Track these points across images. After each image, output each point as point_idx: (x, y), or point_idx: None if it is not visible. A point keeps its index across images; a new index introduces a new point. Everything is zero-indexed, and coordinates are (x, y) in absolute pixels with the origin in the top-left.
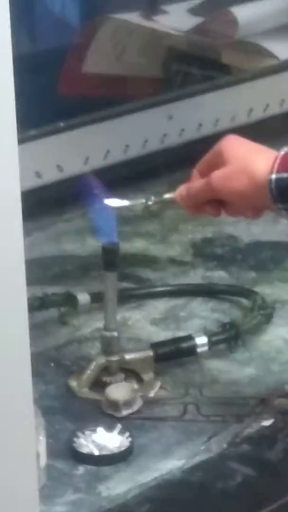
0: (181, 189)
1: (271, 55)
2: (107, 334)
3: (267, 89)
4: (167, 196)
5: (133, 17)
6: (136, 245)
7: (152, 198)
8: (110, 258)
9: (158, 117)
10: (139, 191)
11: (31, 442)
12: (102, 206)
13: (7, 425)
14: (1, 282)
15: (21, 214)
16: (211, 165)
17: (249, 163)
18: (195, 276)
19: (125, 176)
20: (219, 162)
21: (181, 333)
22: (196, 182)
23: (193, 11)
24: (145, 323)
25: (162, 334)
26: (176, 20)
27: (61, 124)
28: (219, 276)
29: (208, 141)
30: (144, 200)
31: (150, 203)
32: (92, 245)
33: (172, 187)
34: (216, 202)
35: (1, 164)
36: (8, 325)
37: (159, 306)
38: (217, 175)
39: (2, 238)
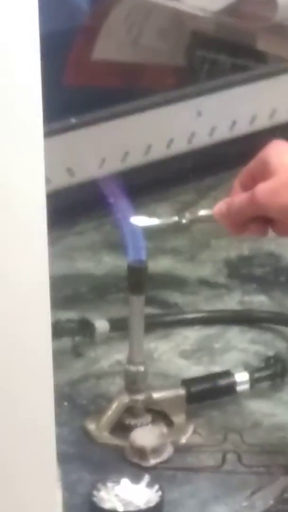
0: (221, 205)
1: None
2: (132, 368)
3: None
4: (204, 212)
5: None
6: (161, 264)
7: (187, 215)
8: (137, 279)
9: (185, 113)
10: (163, 199)
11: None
12: (125, 218)
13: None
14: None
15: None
16: (256, 176)
17: None
18: (231, 301)
19: (147, 181)
20: (264, 173)
21: (216, 368)
22: (238, 197)
23: None
24: (174, 356)
25: (194, 369)
26: None
27: (72, 121)
28: (259, 301)
29: (244, 142)
30: (177, 218)
31: (184, 221)
32: (109, 262)
33: (201, 195)
34: (262, 220)
35: (26, 169)
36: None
37: (190, 336)
38: (263, 188)
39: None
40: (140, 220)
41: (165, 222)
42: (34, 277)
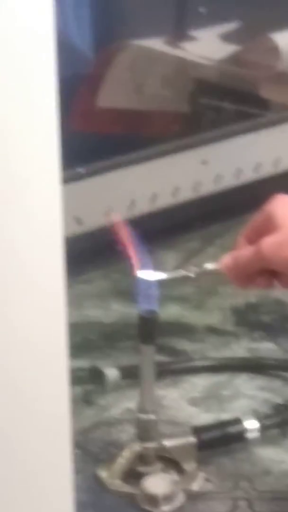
0: (227, 259)
1: None
2: (143, 416)
3: None
4: (211, 266)
5: (156, 44)
6: (169, 311)
7: (193, 268)
8: (148, 329)
9: (190, 162)
10: (169, 247)
11: None
12: (138, 267)
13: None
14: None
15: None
16: (260, 230)
17: None
18: (239, 348)
19: (153, 229)
20: (269, 227)
21: (225, 416)
22: (244, 251)
23: (227, 38)
24: (183, 403)
25: (203, 417)
26: (206, 48)
27: (80, 170)
28: (267, 348)
29: (249, 190)
30: (184, 272)
31: (191, 275)
32: (118, 310)
33: (206, 243)
34: (268, 273)
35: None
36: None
37: (198, 383)
38: (268, 242)
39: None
40: (148, 274)
41: (172, 276)
42: (53, 324)
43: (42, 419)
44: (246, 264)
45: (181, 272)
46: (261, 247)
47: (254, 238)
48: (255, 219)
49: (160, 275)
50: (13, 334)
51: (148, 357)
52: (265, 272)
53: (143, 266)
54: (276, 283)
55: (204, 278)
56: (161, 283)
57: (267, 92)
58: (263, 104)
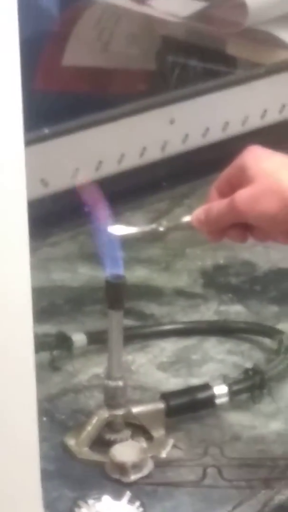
0: (199, 212)
1: (286, 45)
2: (111, 383)
3: (283, 86)
4: (182, 220)
5: (122, 1)
6: (136, 274)
7: (164, 222)
8: (116, 295)
9: (157, 121)
10: (137, 208)
11: None
12: (102, 229)
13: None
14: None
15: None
16: (233, 183)
17: (279, 181)
18: (207, 311)
19: (120, 190)
20: (242, 179)
21: (194, 380)
22: (216, 204)
23: None
24: (151, 368)
25: (172, 382)
26: (173, 5)
27: (45, 131)
28: (236, 311)
29: (217, 148)
30: (154, 226)
31: (161, 229)
32: (85, 274)
33: (175, 203)
34: (241, 226)
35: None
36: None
37: (167, 348)
38: (242, 196)
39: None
40: (118, 229)
41: (142, 230)
42: (17, 289)
43: (7, 386)
44: (218, 218)
45: (152, 226)
46: (234, 201)
47: (227, 191)
48: (228, 171)
49: (130, 230)
50: None
51: (116, 323)
52: (238, 225)
53: (111, 225)
54: (249, 236)
55: (174, 234)
56: (127, 245)
57: (234, 49)
58: (230, 62)
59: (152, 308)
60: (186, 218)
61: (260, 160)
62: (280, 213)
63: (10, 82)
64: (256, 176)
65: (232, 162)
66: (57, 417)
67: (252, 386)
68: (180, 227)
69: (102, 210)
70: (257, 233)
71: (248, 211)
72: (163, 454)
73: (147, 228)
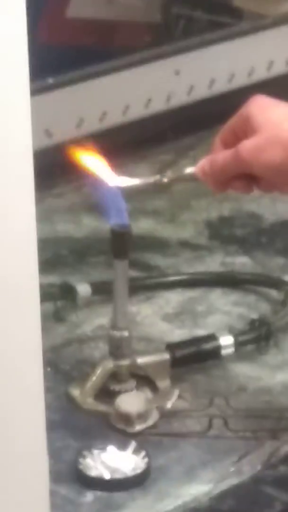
0: (204, 163)
1: None
2: (116, 333)
3: None
4: (186, 171)
5: None
6: (141, 226)
7: (168, 173)
8: (121, 244)
9: (162, 72)
10: (141, 159)
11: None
12: (106, 182)
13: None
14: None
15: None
16: (238, 133)
17: (284, 131)
18: (213, 263)
19: (125, 142)
20: (247, 129)
21: (199, 331)
22: (221, 154)
23: None
24: (156, 319)
25: (177, 333)
26: None
27: (49, 81)
28: (241, 262)
29: (222, 100)
30: (158, 177)
31: (165, 180)
32: (89, 224)
33: (180, 154)
34: (246, 177)
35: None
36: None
37: (172, 299)
38: (246, 146)
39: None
40: (121, 181)
41: (146, 182)
42: (23, 240)
43: (13, 336)
44: (223, 168)
45: (156, 177)
46: (239, 151)
47: (231, 141)
48: (232, 121)
49: (135, 181)
50: None
51: (121, 273)
52: (243, 176)
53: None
54: (254, 187)
55: (179, 186)
56: (132, 197)
57: (240, 0)
58: (236, 13)
59: (157, 260)
60: (190, 169)
61: (266, 110)
62: (284, 163)
63: (16, 33)
64: (261, 126)
65: (237, 112)
66: (61, 367)
67: (258, 337)
68: (184, 178)
69: (104, 164)
70: (262, 184)
71: (252, 161)
72: (169, 405)
73: (151, 179)
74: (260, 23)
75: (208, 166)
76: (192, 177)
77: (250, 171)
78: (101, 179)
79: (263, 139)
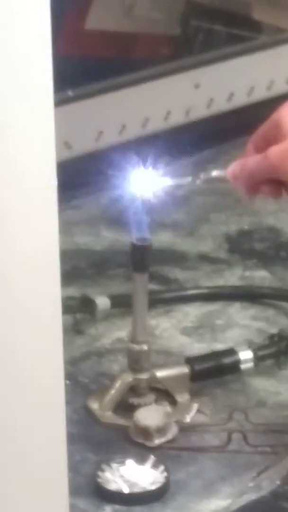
0: (235, 166)
1: None
2: (135, 347)
3: None
4: (218, 173)
5: None
6: (160, 238)
7: (201, 175)
8: (141, 257)
9: (182, 85)
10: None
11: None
12: (130, 193)
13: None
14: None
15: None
16: (268, 138)
17: None
18: (232, 277)
19: (144, 154)
20: (277, 135)
21: (218, 345)
22: (251, 158)
23: None
24: (175, 333)
25: (196, 347)
26: None
27: (69, 93)
28: (260, 276)
29: (242, 114)
30: (190, 178)
31: (198, 181)
32: (108, 237)
33: (199, 168)
34: (275, 182)
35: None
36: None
37: (191, 312)
38: (275, 151)
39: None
40: (155, 180)
41: (179, 182)
42: (46, 251)
43: (34, 348)
44: (252, 172)
45: (188, 179)
46: (268, 156)
47: (263, 146)
48: (264, 126)
49: (167, 181)
50: (6, 261)
51: (141, 286)
52: (272, 181)
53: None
54: (284, 193)
55: (198, 199)
56: (152, 210)
57: (259, 14)
58: (256, 27)
59: (176, 273)
60: (222, 172)
61: None
62: None
63: (41, 45)
64: None
65: (269, 117)
66: (80, 380)
67: (277, 352)
68: (216, 180)
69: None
70: None
71: (279, 166)
72: (188, 419)
73: (183, 180)
74: (280, 37)
75: (239, 169)
76: (224, 180)
77: (278, 176)
78: (126, 190)
79: None
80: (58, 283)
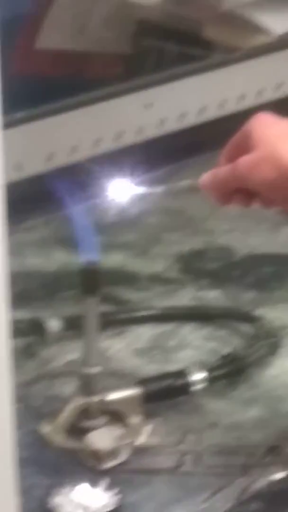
0: (207, 175)
1: (263, 30)
2: (87, 370)
3: (260, 71)
4: (189, 183)
5: None
6: (112, 259)
7: (172, 186)
8: (91, 281)
9: (133, 105)
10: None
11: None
12: (78, 211)
13: None
14: None
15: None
16: (240, 148)
17: (277, 148)
18: (184, 297)
19: (95, 174)
20: (247, 145)
21: (171, 367)
22: (222, 168)
23: None
24: (128, 354)
25: (149, 368)
26: None
27: (20, 114)
28: (213, 296)
29: (193, 133)
30: (163, 187)
31: (170, 190)
32: (59, 259)
33: (150, 187)
34: (245, 192)
35: None
36: None
37: (144, 334)
38: (244, 160)
39: None
40: (127, 188)
41: (151, 191)
42: None
43: None
44: (223, 182)
45: (160, 187)
46: (237, 165)
47: (234, 156)
48: (236, 137)
49: (138, 189)
50: None
51: (92, 309)
52: (242, 190)
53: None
54: (254, 203)
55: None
56: (103, 230)
57: (211, 33)
58: (207, 46)
59: (129, 294)
60: (194, 181)
61: (264, 127)
62: (277, 180)
63: None
64: (259, 143)
65: (241, 128)
66: (31, 404)
67: (230, 373)
68: (187, 189)
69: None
70: (260, 199)
71: (247, 177)
72: (140, 441)
73: (155, 189)
74: (231, 56)
75: (211, 179)
76: (195, 189)
77: (246, 186)
78: (75, 211)
79: (258, 156)
80: (7, 305)
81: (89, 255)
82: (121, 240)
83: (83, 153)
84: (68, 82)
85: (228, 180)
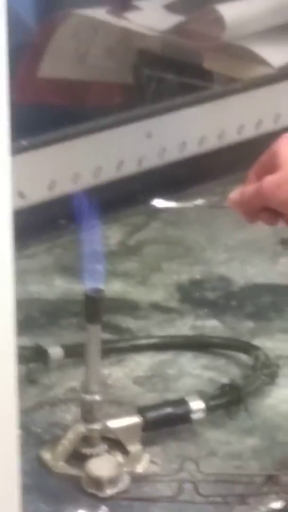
0: (235, 193)
1: (263, 61)
2: (88, 397)
3: (259, 102)
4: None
5: (100, 13)
6: (112, 287)
7: (203, 201)
8: (94, 309)
9: (134, 135)
10: (113, 221)
11: None
12: (85, 238)
13: None
14: None
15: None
16: (266, 167)
17: None
18: (183, 326)
19: (96, 203)
20: (273, 164)
21: (170, 395)
22: (249, 187)
23: (171, 8)
24: (128, 382)
25: (148, 396)
26: (150, 18)
27: (23, 143)
28: (211, 325)
29: (193, 163)
30: (194, 203)
31: (200, 204)
32: (61, 286)
33: (151, 216)
34: (271, 210)
35: None
36: None
37: (143, 362)
38: (269, 180)
39: None
40: (159, 202)
41: (183, 206)
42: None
43: None
44: (250, 200)
45: (191, 203)
46: (262, 185)
47: (261, 175)
48: (263, 156)
49: (170, 204)
50: None
51: (94, 337)
52: (269, 209)
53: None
54: (280, 221)
55: (150, 249)
56: (104, 258)
57: (211, 63)
58: (207, 76)
59: (128, 322)
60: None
61: None
62: None
63: None
64: (283, 163)
65: (270, 147)
66: (33, 430)
67: (228, 402)
68: (217, 206)
69: (85, 222)
70: (285, 218)
71: (272, 197)
72: (139, 469)
73: (186, 204)
74: (231, 87)
75: (238, 196)
76: (224, 206)
77: (270, 206)
78: (83, 237)
79: (282, 176)
80: (13, 333)
81: (94, 282)
82: (122, 268)
83: (84, 182)
84: (70, 111)
85: (253, 198)
